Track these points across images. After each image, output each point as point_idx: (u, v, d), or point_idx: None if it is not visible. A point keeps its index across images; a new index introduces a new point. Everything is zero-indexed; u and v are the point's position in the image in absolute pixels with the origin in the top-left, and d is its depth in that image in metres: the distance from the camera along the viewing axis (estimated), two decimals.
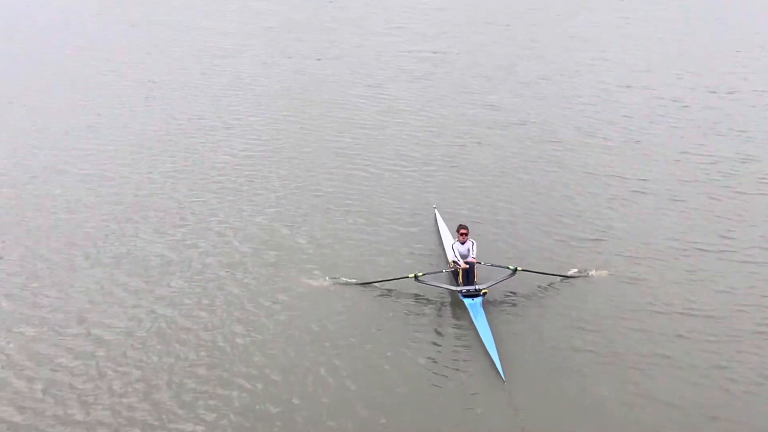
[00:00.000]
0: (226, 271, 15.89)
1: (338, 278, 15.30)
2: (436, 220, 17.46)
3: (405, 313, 14.32)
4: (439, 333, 13.83)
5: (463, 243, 15.07)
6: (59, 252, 16.93)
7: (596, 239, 16.92)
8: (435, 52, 31.45)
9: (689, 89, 26.64)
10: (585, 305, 14.33)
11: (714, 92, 26.28)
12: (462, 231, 15.09)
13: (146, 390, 12.50)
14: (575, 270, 15.38)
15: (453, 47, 32.17)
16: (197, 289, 15.30)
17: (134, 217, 18.38)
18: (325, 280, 15.27)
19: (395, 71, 29.09)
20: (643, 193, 19.17)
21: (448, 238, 16.33)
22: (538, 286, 14.96)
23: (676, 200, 18.76)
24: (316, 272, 15.50)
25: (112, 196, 19.51)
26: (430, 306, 14.58)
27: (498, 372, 12.54)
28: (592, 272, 15.38)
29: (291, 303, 14.59)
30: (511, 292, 14.80)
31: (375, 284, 15.05)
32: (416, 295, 14.79)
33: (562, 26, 35.29)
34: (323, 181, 20.00)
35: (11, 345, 13.88)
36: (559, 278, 15.12)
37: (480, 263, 14.93)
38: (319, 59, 30.81)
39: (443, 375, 12.68)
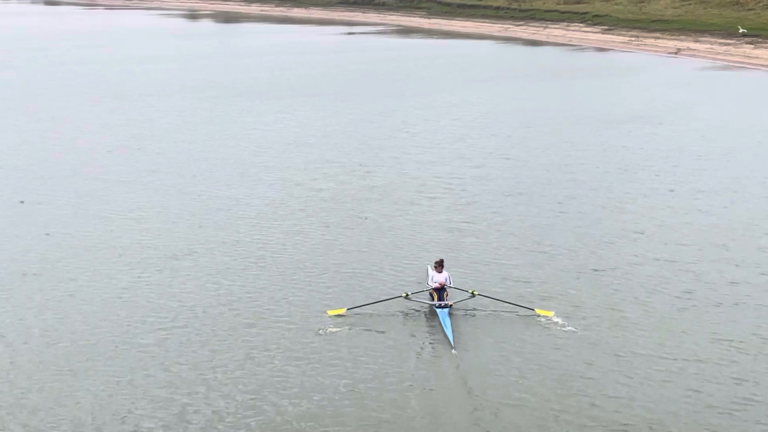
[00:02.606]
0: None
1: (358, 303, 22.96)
2: (427, 270, 24.62)
3: (397, 317, 22.49)
4: (416, 331, 21.76)
5: (439, 273, 22.67)
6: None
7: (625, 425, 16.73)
8: (465, 222, 31.59)
9: (719, 263, 26.44)
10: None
11: (739, 266, 26.04)
12: (437, 264, 22.90)
13: None
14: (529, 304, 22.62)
15: (484, 218, 32.26)
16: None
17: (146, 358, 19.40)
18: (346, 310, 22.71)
19: (424, 240, 29.41)
20: (677, 373, 18.93)
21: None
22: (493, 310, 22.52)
23: (706, 381, 18.50)
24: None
25: (137, 336, 20.85)
26: (413, 313, 22.67)
27: (450, 343, 20.15)
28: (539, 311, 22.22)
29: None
30: (472, 309, 22.60)
31: (382, 302, 22.87)
32: (406, 308, 22.80)
33: (596, 197, 35.17)
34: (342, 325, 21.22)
35: None
36: (510, 305, 22.50)
37: (449, 286, 22.71)
38: (347, 227, 31.07)
39: (415, 347, 20.76)
